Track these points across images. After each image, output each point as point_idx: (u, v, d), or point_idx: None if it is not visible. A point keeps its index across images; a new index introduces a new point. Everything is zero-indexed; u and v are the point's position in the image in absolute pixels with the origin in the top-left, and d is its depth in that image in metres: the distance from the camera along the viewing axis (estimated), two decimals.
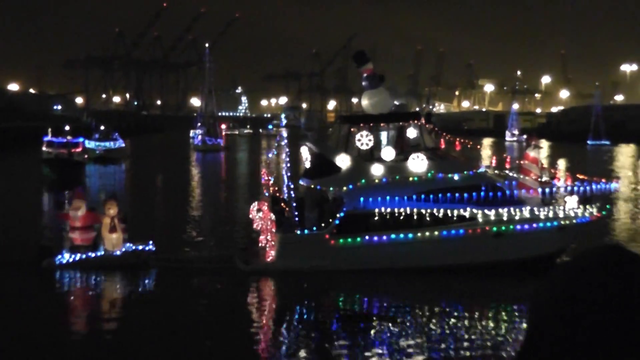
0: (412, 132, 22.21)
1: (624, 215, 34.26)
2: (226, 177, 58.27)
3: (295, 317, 17.95)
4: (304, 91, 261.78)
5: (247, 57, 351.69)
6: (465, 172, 21.85)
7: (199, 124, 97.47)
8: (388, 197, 21.03)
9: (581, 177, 23.89)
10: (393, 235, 21.07)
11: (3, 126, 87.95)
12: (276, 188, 22.50)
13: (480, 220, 21.33)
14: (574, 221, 22.20)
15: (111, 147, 69.29)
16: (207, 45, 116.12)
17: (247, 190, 46.21)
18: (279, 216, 21.36)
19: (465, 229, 21.29)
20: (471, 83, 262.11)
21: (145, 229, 24.24)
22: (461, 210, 21.22)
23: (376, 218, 21.09)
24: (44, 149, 52.26)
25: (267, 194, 22.57)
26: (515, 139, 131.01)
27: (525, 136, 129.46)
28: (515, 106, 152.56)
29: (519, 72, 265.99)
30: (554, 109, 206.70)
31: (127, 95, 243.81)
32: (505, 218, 21.45)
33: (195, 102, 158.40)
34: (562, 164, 66.22)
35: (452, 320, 17.40)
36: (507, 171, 24.61)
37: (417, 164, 21.62)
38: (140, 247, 21.80)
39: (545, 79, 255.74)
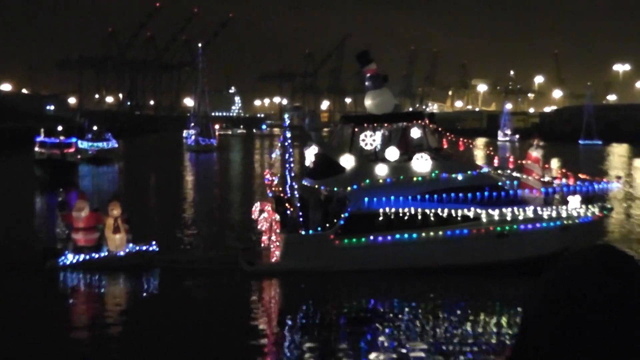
0: (416, 132, 22.22)
1: (617, 214, 34.35)
2: (220, 177, 58.12)
3: (298, 318, 17.92)
4: (298, 91, 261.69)
5: (240, 57, 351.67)
6: (469, 172, 21.89)
7: (192, 124, 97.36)
8: (392, 198, 21.05)
9: (583, 176, 23.99)
10: (397, 236, 21.09)
11: None
12: (280, 188, 22.47)
13: (484, 220, 21.38)
14: (577, 221, 22.30)
15: (104, 147, 69.09)
16: (200, 45, 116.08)
17: (242, 191, 46.19)
18: (283, 216, 21.34)
19: (470, 229, 21.33)
20: (464, 83, 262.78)
21: (142, 230, 24.07)
22: (465, 211, 21.25)
23: (380, 218, 21.09)
24: (36, 149, 51.92)
25: (270, 194, 22.52)
26: (507, 138, 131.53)
27: (517, 136, 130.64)
28: (509, 106, 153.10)
29: (512, 72, 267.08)
30: (547, 109, 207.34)
31: (120, 96, 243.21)
32: (509, 218, 21.50)
33: (189, 102, 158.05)
34: (554, 163, 66.41)
35: (455, 320, 17.40)
36: (508, 171, 24.68)
37: (421, 164, 21.64)
38: (144, 248, 21.74)
39: (539, 79, 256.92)
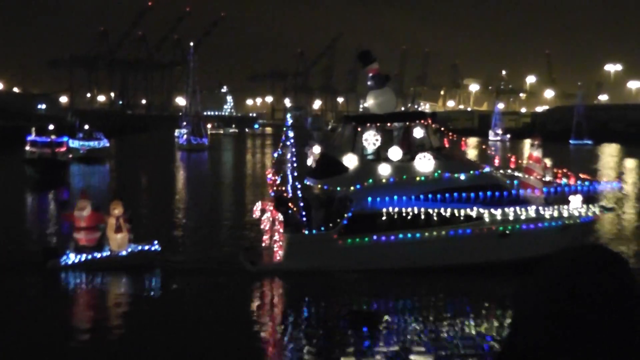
0: (418, 132, 22.22)
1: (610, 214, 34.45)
2: (213, 177, 57.91)
3: (301, 318, 17.89)
4: (289, 91, 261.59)
5: (232, 56, 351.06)
6: (471, 172, 21.93)
7: (184, 124, 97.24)
8: (395, 197, 21.06)
9: (584, 176, 24.10)
10: (401, 235, 21.11)
11: None
12: (282, 188, 22.43)
13: (486, 219, 21.42)
14: (578, 220, 22.41)
15: (95, 146, 68.81)
16: (191, 44, 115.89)
17: (236, 190, 46.10)
18: (286, 216, 21.31)
19: (472, 229, 21.38)
20: (456, 83, 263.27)
21: (135, 229, 23.95)
22: (468, 210, 21.29)
23: (384, 218, 21.10)
24: (27, 148, 51.59)
25: (272, 194, 22.48)
26: (498, 138, 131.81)
27: (508, 136, 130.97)
28: (500, 106, 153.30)
29: (503, 72, 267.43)
30: (539, 109, 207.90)
31: (112, 95, 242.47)
32: (511, 218, 21.56)
33: (181, 101, 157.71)
34: (547, 163, 66.47)
35: (457, 320, 17.41)
36: (509, 171, 24.75)
37: (424, 163, 21.66)
38: (147, 248, 21.67)
39: (530, 79, 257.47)
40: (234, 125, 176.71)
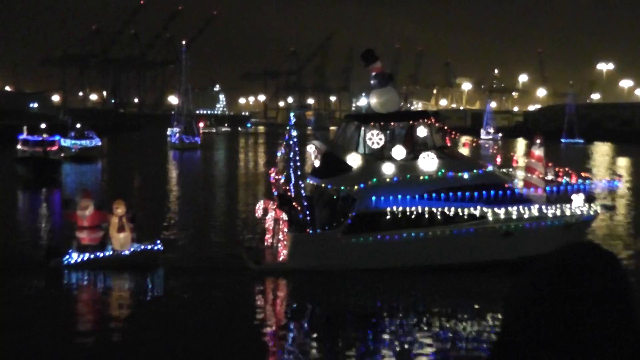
0: (422, 131, 22.21)
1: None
2: (205, 175, 57.73)
3: (305, 317, 17.89)
4: (282, 89, 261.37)
5: (225, 55, 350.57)
6: (474, 171, 21.94)
7: (176, 122, 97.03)
8: (399, 196, 21.05)
9: (585, 175, 24.18)
10: (404, 234, 21.11)
11: None
12: (285, 187, 22.38)
13: (490, 218, 21.45)
14: (581, 219, 22.48)
15: (87, 145, 68.48)
16: (184, 43, 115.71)
17: (231, 189, 45.99)
18: (290, 215, 21.27)
19: (476, 228, 21.40)
20: (449, 81, 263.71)
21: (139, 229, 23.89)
22: (471, 209, 21.31)
23: (387, 217, 21.09)
24: (19, 147, 51.32)
25: (275, 193, 22.43)
26: (490, 137, 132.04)
27: (500, 134, 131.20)
28: (493, 105, 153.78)
29: (496, 71, 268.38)
30: (531, 108, 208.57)
31: (104, 93, 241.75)
32: (514, 216, 21.59)
33: (173, 100, 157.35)
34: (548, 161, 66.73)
35: (459, 319, 17.44)
36: (512, 169, 24.80)
37: (428, 162, 21.66)
38: (149, 247, 21.59)
39: (523, 78, 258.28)
40: (226, 124, 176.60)
